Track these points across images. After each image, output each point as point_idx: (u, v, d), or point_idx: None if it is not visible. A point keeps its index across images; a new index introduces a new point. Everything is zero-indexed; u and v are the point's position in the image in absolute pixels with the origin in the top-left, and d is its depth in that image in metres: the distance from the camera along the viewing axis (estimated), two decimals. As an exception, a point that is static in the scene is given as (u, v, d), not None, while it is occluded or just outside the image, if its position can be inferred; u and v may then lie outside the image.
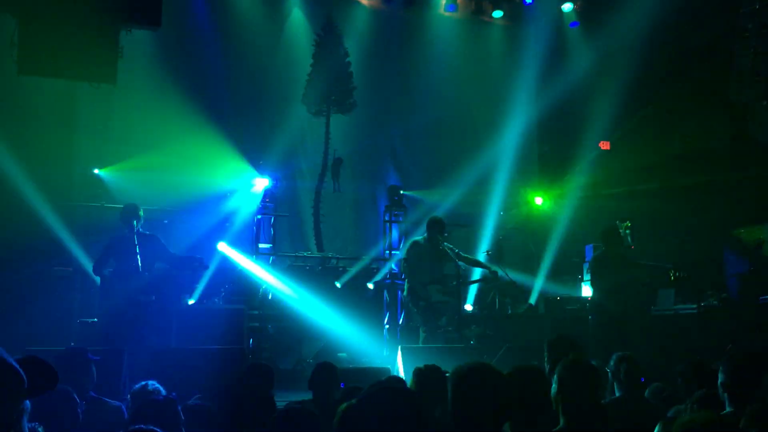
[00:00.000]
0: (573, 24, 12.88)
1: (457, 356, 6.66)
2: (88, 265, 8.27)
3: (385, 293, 10.43)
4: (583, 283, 10.18)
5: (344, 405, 2.88)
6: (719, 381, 3.93)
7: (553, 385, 3.19)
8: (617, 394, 4.77)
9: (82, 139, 10.02)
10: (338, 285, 9.86)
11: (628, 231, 10.04)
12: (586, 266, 9.71)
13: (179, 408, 3.38)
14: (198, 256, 7.52)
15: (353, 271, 10.15)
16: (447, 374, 3.62)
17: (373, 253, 11.44)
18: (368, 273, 10.48)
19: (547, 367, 4.44)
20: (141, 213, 7.29)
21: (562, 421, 3.15)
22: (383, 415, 2.63)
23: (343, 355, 9.08)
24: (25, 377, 2.14)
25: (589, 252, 10.12)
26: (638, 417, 4.07)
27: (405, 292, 8.50)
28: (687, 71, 11.26)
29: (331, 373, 5.05)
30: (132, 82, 9.35)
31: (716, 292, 9.45)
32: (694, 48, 11.13)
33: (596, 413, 3.14)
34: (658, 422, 3.49)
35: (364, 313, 9.78)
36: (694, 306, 8.84)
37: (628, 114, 11.81)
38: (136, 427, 2.71)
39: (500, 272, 8.87)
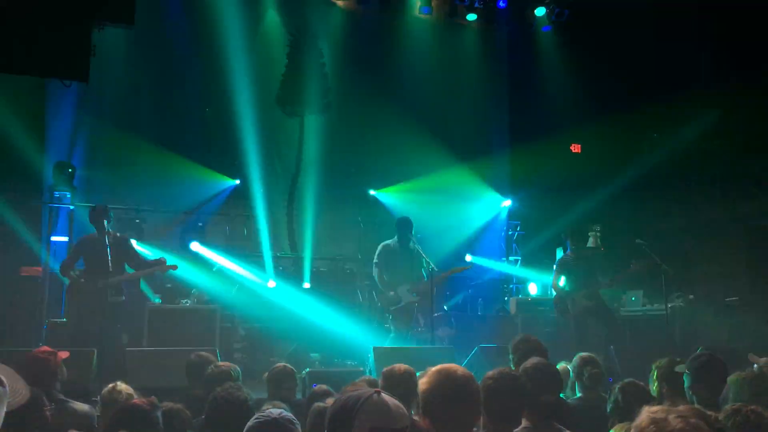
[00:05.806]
0: (545, 28, 12.99)
1: (428, 357, 6.70)
2: (56, 265, 8.18)
3: (359, 293, 10.46)
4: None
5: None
6: (686, 384, 4.07)
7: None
8: (578, 395, 4.81)
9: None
10: (307, 283, 9.88)
11: (598, 234, 10.15)
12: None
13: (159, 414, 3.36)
14: (161, 258, 7.54)
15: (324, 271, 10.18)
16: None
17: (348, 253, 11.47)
18: (342, 273, 10.51)
19: (512, 367, 4.50)
20: (111, 213, 7.23)
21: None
22: None
23: (315, 356, 9.08)
24: None
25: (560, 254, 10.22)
26: (600, 419, 4.13)
27: (376, 295, 8.52)
28: (658, 77, 11.40)
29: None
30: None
31: (683, 293, 9.62)
32: (664, 55, 11.28)
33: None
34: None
35: (338, 313, 9.79)
36: (662, 307, 8.99)
37: (600, 116, 11.93)
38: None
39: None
